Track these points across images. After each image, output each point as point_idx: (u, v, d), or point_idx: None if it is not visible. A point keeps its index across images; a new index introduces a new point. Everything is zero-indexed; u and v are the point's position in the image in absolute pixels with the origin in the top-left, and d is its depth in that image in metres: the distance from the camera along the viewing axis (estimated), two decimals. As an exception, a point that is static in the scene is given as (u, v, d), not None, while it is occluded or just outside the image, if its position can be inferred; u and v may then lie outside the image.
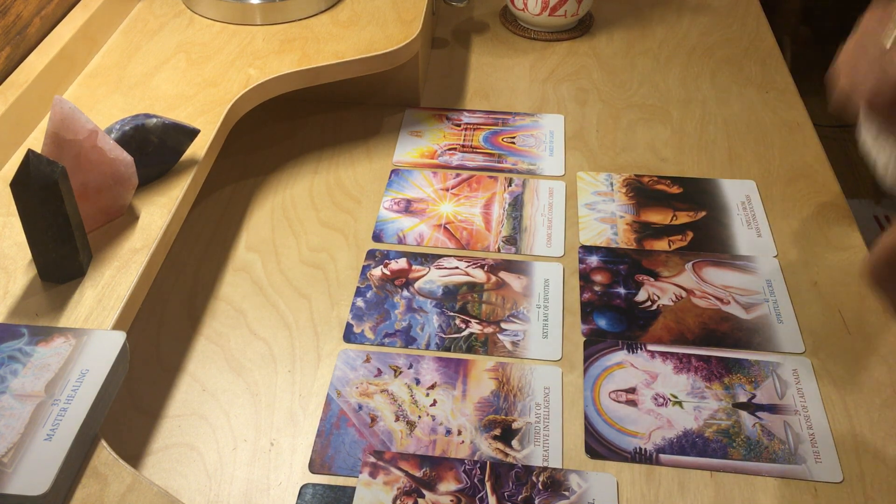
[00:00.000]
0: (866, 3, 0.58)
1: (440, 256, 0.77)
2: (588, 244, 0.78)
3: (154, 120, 0.68)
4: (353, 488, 0.58)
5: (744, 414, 0.64)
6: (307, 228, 0.80)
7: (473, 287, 0.73)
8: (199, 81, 0.81)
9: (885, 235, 0.56)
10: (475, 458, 0.60)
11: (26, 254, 0.61)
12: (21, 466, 0.46)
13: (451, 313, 0.71)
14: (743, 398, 0.65)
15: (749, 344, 0.69)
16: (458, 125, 0.94)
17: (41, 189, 0.55)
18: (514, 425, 0.62)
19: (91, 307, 0.58)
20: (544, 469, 0.59)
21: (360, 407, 0.64)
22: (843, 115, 0.58)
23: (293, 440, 0.62)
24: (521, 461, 0.60)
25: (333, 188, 0.85)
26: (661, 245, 0.78)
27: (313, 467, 0.60)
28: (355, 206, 0.83)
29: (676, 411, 0.64)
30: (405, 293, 0.73)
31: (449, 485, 0.58)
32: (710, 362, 0.67)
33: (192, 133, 0.70)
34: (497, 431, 0.62)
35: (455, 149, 0.90)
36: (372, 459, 0.60)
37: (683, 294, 0.73)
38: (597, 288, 0.74)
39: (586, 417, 0.63)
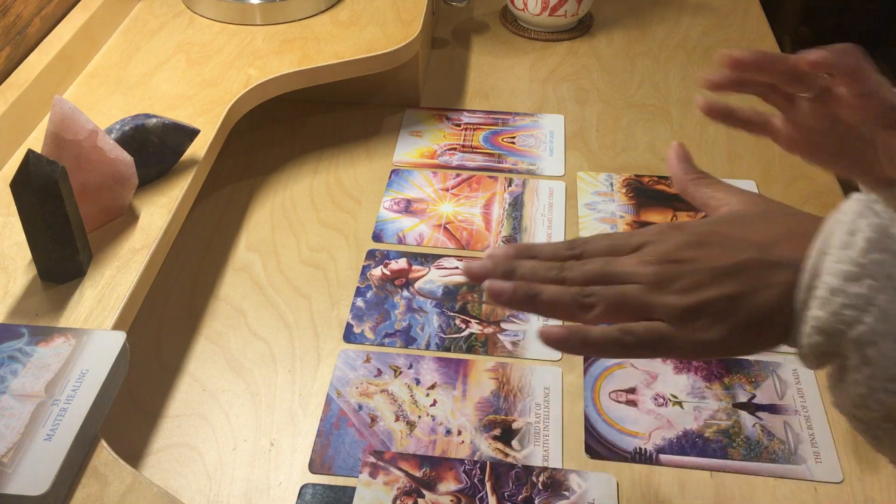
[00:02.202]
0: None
1: (440, 256, 0.77)
2: (588, 244, 0.78)
3: (154, 120, 0.68)
4: (353, 488, 0.58)
5: (744, 414, 0.64)
6: (307, 228, 0.80)
7: (473, 287, 0.73)
8: (199, 81, 0.81)
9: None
10: (475, 458, 0.60)
11: (26, 254, 0.61)
12: (21, 466, 0.46)
13: (451, 313, 0.71)
14: (743, 398, 0.65)
15: (749, 344, 0.69)
16: (458, 125, 0.94)
17: (41, 189, 0.55)
18: (514, 425, 0.62)
19: (91, 307, 0.58)
20: (544, 469, 0.59)
21: (360, 407, 0.64)
22: None
23: (293, 440, 0.62)
24: (521, 461, 0.60)
25: (333, 188, 0.85)
26: (661, 245, 0.78)
27: (313, 467, 0.60)
28: (355, 206, 0.83)
29: (676, 411, 0.64)
30: (405, 293, 0.73)
31: (449, 485, 0.58)
32: (709, 362, 0.67)
33: (192, 133, 0.70)
34: (497, 431, 0.62)
35: (455, 149, 0.90)
36: (372, 459, 0.60)
37: (683, 294, 0.73)
38: (597, 288, 0.73)
39: (586, 417, 0.63)
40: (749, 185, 0.85)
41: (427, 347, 0.68)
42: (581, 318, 0.50)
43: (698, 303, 0.48)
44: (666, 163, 0.59)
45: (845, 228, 0.47)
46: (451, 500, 0.57)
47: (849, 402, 0.47)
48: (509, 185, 0.85)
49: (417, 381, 0.66)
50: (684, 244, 0.50)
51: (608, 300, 0.49)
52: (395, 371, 0.66)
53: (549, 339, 0.50)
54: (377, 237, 0.79)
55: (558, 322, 0.52)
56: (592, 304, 0.49)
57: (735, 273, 0.48)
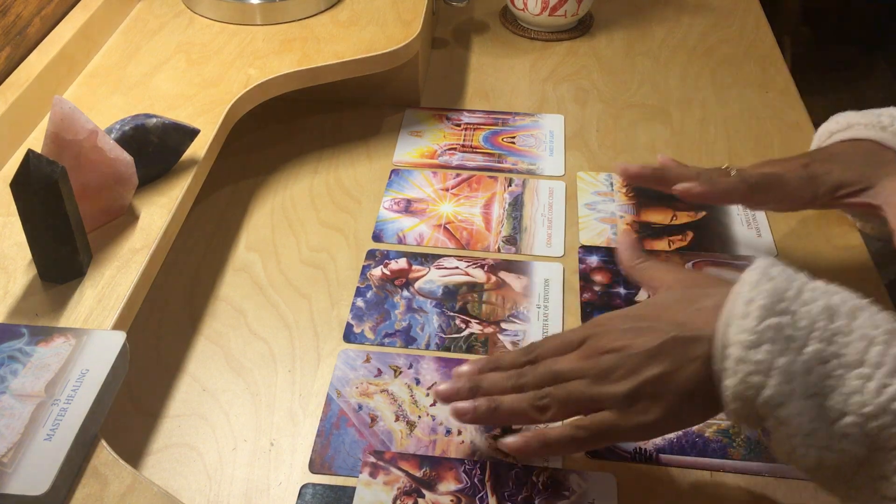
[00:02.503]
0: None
1: (440, 256, 0.77)
2: (588, 244, 0.78)
3: (154, 120, 0.68)
4: (353, 488, 0.58)
5: (744, 414, 0.63)
6: (307, 228, 0.80)
7: (473, 287, 0.74)
8: (199, 81, 0.81)
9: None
10: (475, 458, 0.60)
11: (26, 254, 0.61)
12: (21, 466, 0.46)
13: (451, 313, 0.71)
14: (743, 398, 0.65)
15: (749, 344, 0.69)
16: (458, 125, 0.94)
17: (41, 189, 0.55)
18: (514, 425, 0.62)
19: (91, 307, 0.58)
20: (544, 469, 0.59)
21: (360, 407, 0.64)
22: None
23: (293, 440, 0.62)
24: (521, 461, 0.60)
25: (333, 188, 0.85)
26: (661, 245, 0.78)
27: (313, 467, 0.60)
28: (355, 206, 0.83)
29: (676, 411, 0.64)
30: (405, 293, 0.73)
31: (449, 485, 0.58)
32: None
33: (192, 133, 0.70)
34: (497, 431, 0.62)
35: (455, 149, 0.90)
36: (372, 459, 0.60)
37: (683, 294, 0.73)
38: (597, 288, 0.74)
39: (586, 417, 0.63)
40: (749, 185, 0.84)
41: (427, 347, 0.68)
42: (540, 420, 0.54)
43: (633, 387, 0.51)
44: (616, 251, 0.64)
45: (743, 298, 0.49)
46: (451, 500, 0.57)
47: (782, 456, 0.50)
48: (509, 184, 0.85)
49: (417, 381, 0.66)
50: (619, 333, 0.53)
51: (559, 400, 0.53)
52: (395, 371, 0.66)
53: (512, 449, 0.55)
54: (377, 237, 0.79)
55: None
56: (547, 405, 0.53)
57: (661, 354, 0.51)
